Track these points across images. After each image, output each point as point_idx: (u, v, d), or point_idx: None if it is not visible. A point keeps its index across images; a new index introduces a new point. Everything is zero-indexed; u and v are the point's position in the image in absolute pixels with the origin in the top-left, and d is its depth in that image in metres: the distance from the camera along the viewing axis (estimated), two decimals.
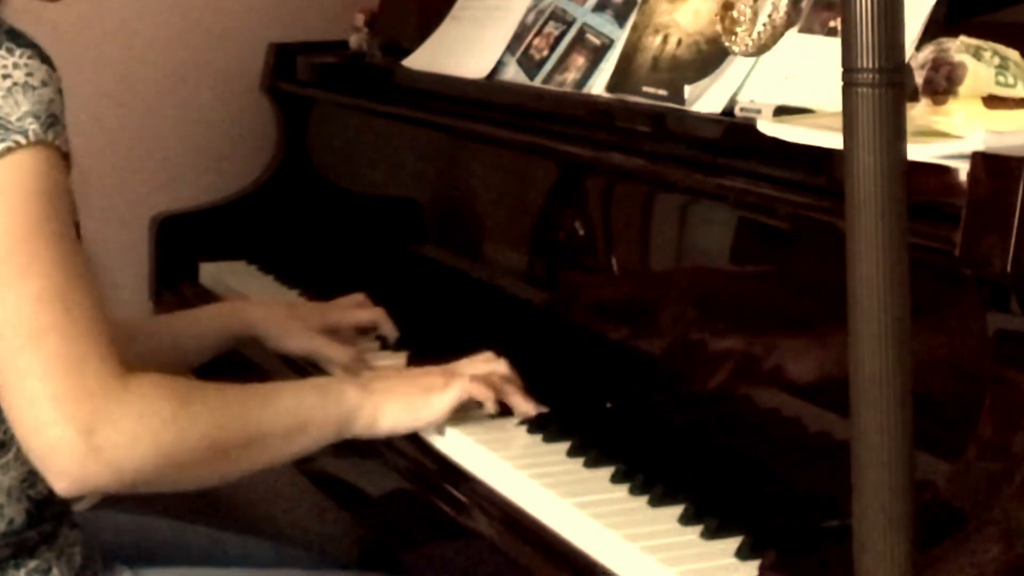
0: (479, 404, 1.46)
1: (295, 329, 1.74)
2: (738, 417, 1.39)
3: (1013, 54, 1.16)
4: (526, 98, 1.78)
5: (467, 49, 1.95)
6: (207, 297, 2.15)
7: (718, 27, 1.25)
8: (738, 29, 1.21)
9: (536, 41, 1.83)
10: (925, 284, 1.00)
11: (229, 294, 2.11)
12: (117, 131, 2.43)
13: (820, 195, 1.24)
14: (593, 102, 1.66)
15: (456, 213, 2.02)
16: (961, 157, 1.08)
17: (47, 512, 1.37)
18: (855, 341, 0.82)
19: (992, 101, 1.14)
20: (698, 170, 1.43)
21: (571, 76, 1.73)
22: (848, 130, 0.81)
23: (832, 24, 1.39)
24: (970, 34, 1.17)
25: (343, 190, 2.29)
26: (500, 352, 1.52)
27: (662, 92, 1.54)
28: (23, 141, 1.25)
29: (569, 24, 1.79)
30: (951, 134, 1.12)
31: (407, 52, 2.09)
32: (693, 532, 1.19)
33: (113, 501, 1.55)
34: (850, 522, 0.84)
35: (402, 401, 1.44)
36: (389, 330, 1.76)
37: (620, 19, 1.70)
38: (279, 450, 1.39)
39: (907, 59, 1.06)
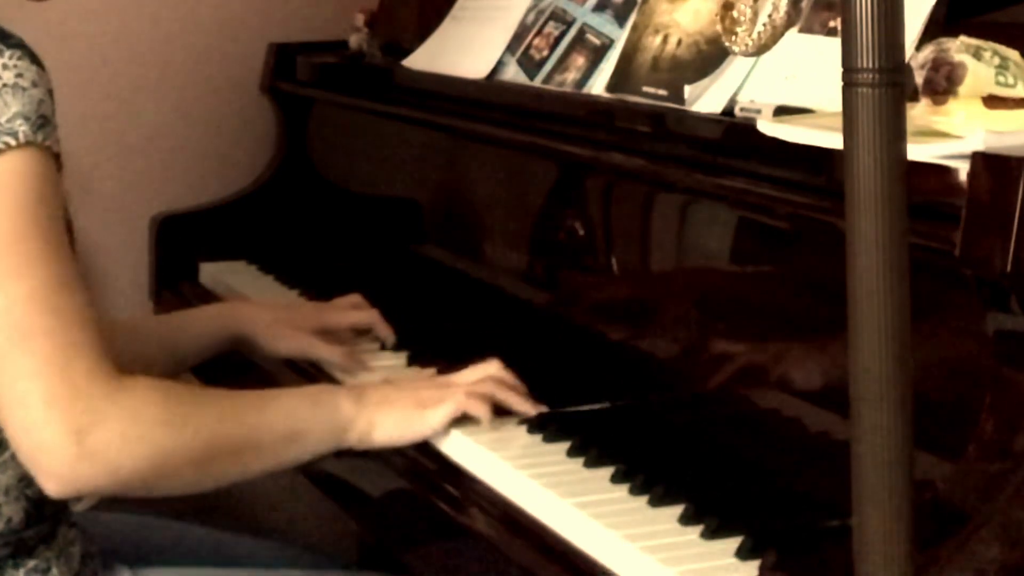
0: None
1: (287, 331, 1.74)
2: (738, 417, 1.39)
3: (1013, 54, 1.16)
4: (526, 98, 1.78)
5: (467, 49, 1.95)
6: (207, 297, 2.15)
7: (718, 27, 1.25)
8: (738, 29, 1.21)
9: (536, 41, 1.83)
10: (925, 284, 1.00)
11: (229, 294, 2.11)
12: (117, 131, 2.43)
13: (820, 195, 1.24)
14: (593, 102, 1.66)
15: (456, 213, 2.02)
16: (961, 157, 1.08)
17: (45, 511, 1.37)
18: (855, 341, 0.82)
19: (992, 101, 1.14)
20: (698, 170, 1.43)
21: (571, 76, 1.73)
22: (848, 130, 0.81)
23: (832, 24, 1.39)
24: (970, 34, 1.17)
25: (343, 190, 2.29)
26: (500, 352, 1.52)
27: (662, 92, 1.54)
28: (13, 142, 1.25)
29: (569, 24, 1.79)
30: (951, 134, 1.12)
31: (407, 52, 2.09)
32: (693, 532, 1.19)
33: (113, 501, 1.55)
34: (850, 522, 0.84)
35: (396, 415, 1.44)
36: (384, 332, 1.76)
37: (620, 19, 1.70)
38: (272, 458, 1.39)
39: (907, 59, 1.06)
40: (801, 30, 1.39)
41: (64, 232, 1.30)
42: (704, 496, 1.24)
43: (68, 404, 1.23)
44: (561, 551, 1.24)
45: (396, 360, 1.71)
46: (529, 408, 1.47)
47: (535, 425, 1.44)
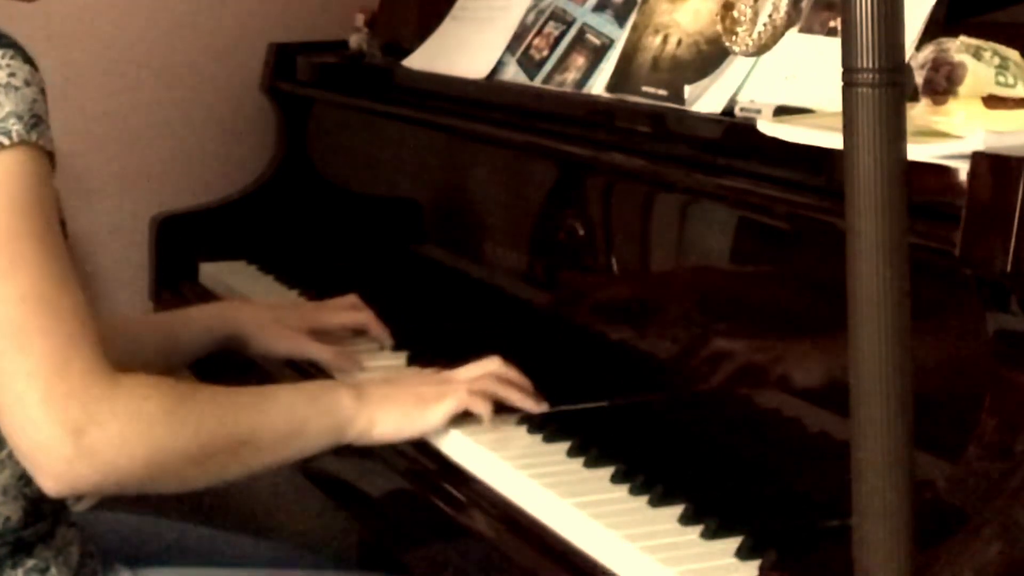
0: None
1: (280, 330, 1.74)
2: (738, 417, 1.39)
3: (1013, 54, 1.16)
4: (526, 98, 1.78)
5: (467, 49, 1.95)
6: (207, 297, 2.15)
7: (718, 27, 1.25)
8: (739, 29, 1.21)
9: (536, 41, 1.83)
10: (925, 284, 0.99)
11: (229, 294, 2.11)
12: (117, 131, 2.44)
13: (820, 195, 1.24)
14: (593, 102, 1.66)
15: (456, 213, 2.02)
16: (961, 157, 1.08)
17: (43, 510, 1.37)
18: (855, 341, 0.82)
19: (992, 101, 1.14)
20: (698, 170, 1.43)
21: (571, 76, 1.73)
22: (848, 130, 0.81)
23: (832, 24, 1.39)
24: (970, 34, 1.16)
25: (343, 190, 2.29)
26: (500, 352, 1.51)
27: (662, 92, 1.54)
28: (6, 142, 1.25)
29: (569, 24, 1.79)
30: (951, 134, 1.12)
31: (407, 52, 2.09)
32: (693, 532, 1.19)
33: (113, 501, 1.55)
34: (850, 522, 0.84)
35: (397, 411, 1.44)
36: (379, 333, 1.75)
37: (620, 19, 1.70)
38: (272, 455, 1.39)
39: (907, 59, 1.06)
40: (801, 30, 1.39)
41: (59, 231, 1.30)
42: (704, 496, 1.24)
43: (65, 403, 1.23)
44: (561, 551, 1.24)
45: (396, 360, 1.71)
46: (531, 404, 1.47)
47: (535, 425, 1.44)
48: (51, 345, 1.23)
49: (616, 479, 1.30)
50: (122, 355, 1.37)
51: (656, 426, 1.44)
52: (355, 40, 2.27)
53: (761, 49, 1.19)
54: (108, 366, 1.27)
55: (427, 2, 2.17)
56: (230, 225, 2.32)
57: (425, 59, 2.04)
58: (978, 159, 1.05)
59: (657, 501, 1.25)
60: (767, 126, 1.27)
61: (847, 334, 0.82)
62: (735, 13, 1.19)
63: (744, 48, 1.20)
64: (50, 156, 1.30)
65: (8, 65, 1.28)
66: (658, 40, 1.59)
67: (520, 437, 1.43)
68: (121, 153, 2.44)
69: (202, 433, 1.32)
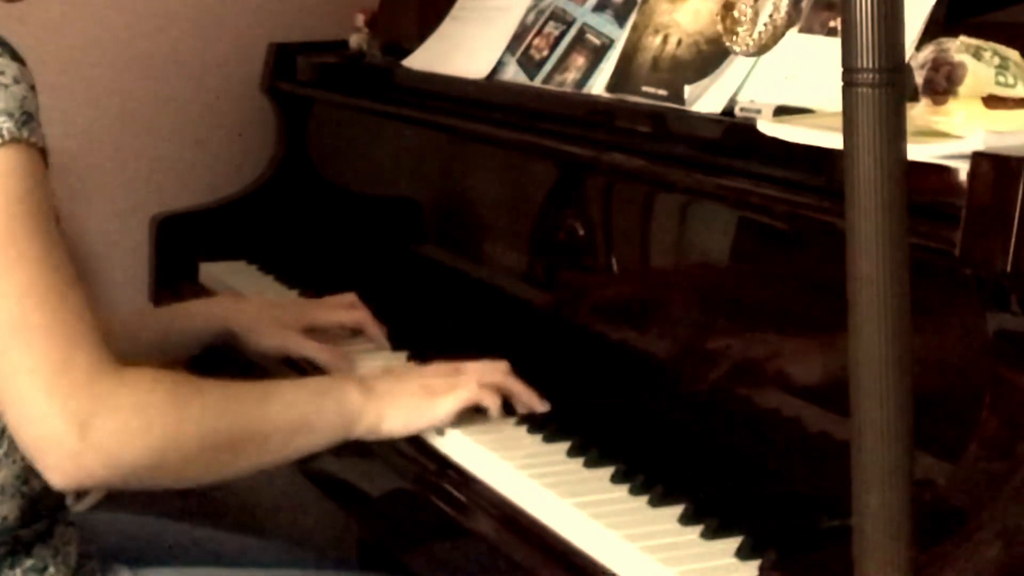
0: (477, 409, 1.46)
1: (272, 327, 1.73)
2: (738, 417, 1.39)
3: (1013, 54, 1.16)
4: (526, 98, 1.78)
5: (467, 49, 1.95)
6: (207, 297, 2.15)
7: (719, 27, 1.25)
8: (739, 29, 1.21)
9: (536, 41, 1.83)
10: (925, 284, 0.99)
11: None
12: (117, 131, 2.44)
13: (820, 195, 1.24)
14: (593, 102, 1.66)
15: (456, 213, 2.02)
16: (961, 157, 1.08)
17: (41, 509, 1.37)
18: (855, 341, 0.82)
19: (992, 101, 1.14)
20: (698, 170, 1.43)
21: (571, 76, 1.73)
22: (848, 130, 0.81)
23: (832, 24, 1.39)
24: (970, 34, 1.16)
25: (343, 190, 2.29)
26: (500, 352, 1.51)
27: (662, 92, 1.54)
28: None
29: (569, 24, 1.79)
30: (951, 134, 1.12)
31: (407, 52, 2.09)
32: (693, 532, 1.19)
33: (113, 501, 1.55)
34: (850, 522, 0.84)
35: (406, 404, 1.44)
36: (375, 333, 1.75)
37: (620, 19, 1.70)
38: (278, 449, 1.39)
39: (907, 59, 1.06)
40: (801, 30, 1.39)
41: (55, 226, 1.30)
42: (704, 496, 1.24)
43: (69, 395, 1.23)
44: (561, 551, 1.24)
45: (395, 360, 1.70)
46: (537, 403, 1.46)
47: (535, 425, 1.44)
48: (54, 340, 1.23)
49: (616, 479, 1.30)
50: (119, 349, 1.37)
51: (656, 426, 1.44)
52: (355, 40, 2.27)
53: (761, 49, 1.19)
54: (112, 359, 1.27)
55: (427, 2, 2.17)
56: (230, 225, 2.32)
57: (425, 59, 2.04)
58: (978, 159, 1.05)
59: (657, 501, 1.25)
60: (767, 126, 1.27)
61: (847, 334, 0.82)
62: (735, 13, 1.19)
63: (744, 48, 1.20)
64: (43, 153, 1.30)
65: None
66: (658, 40, 1.59)
67: (520, 437, 1.43)
68: (121, 153, 2.44)
69: (209, 426, 1.31)
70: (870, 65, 0.80)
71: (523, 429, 1.45)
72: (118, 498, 1.51)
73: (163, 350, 1.73)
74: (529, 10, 1.88)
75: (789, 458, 1.32)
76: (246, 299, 1.89)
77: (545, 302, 1.75)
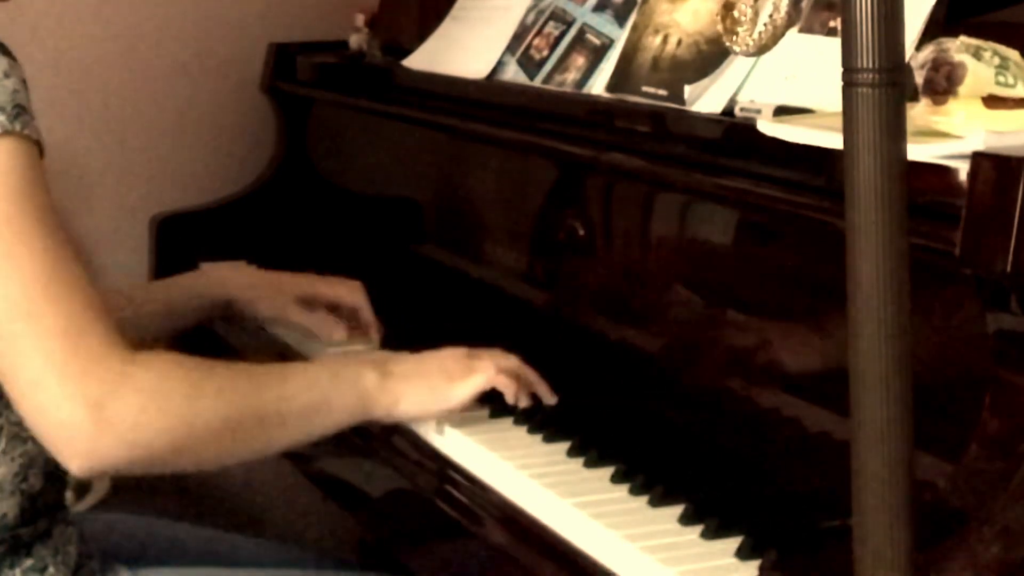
0: (479, 402, 1.46)
1: (267, 295, 1.75)
2: (738, 417, 1.39)
3: (1013, 54, 1.16)
4: (526, 98, 1.78)
5: (467, 49, 1.95)
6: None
7: (719, 27, 1.25)
8: (739, 29, 1.21)
9: (536, 41, 1.83)
10: (925, 284, 1.00)
11: None
12: (117, 131, 2.44)
13: (820, 195, 1.24)
14: (593, 102, 1.66)
15: (456, 213, 2.02)
16: (961, 157, 1.08)
17: (40, 508, 1.37)
18: (855, 341, 0.82)
19: (992, 101, 1.14)
20: (698, 170, 1.43)
21: (571, 76, 1.73)
22: (848, 130, 0.81)
23: (832, 24, 1.39)
24: (970, 34, 1.16)
25: (343, 190, 2.29)
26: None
27: (662, 92, 1.54)
28: None
29: (569, 24, 1.79)
30: (951, 134, 1.12)
31: (407, 52, 2.09)
32: (693, 532, 1.19)
33: (113, 501, 1.55)
34: (850, 522, 0.84)
35: (422, 387, 1.43)
36: (369, 319, 1.76)
37: (620, 19, 1.70)
38: (295, 430, 1.38)
39: (907, 59, 1.06)
40: (801, 30, 1.39)
41: (55, 215, 1.30)
42: (704, 496, 1.24)
43: (83, 378, 1.22)
44: (561, 551, 1.24)
45: None
46: (546, 393, 1.47)
47: (535, 425, 1.44)
48: (63, 324, 1.23)
49: (616, 479, 1.30)
50: (123, 322, 1.37)
51: (656, 426, 1.44)
52: (355, 40, 2.27)
53: (761, 49, 1.19)
54: (122, 342, 1.26)
55: (427, 2, 2.17)
56: (230, 225, 2.32)
57: (425, 59, 2.04)
58: (978, 159, 1.05)
59: (657, 501, 1.25)
60: (767, 126, 1.27)
61: (847, 334, 0.82)
62: (735, 13, 1.19)
63: (744, 48, 1.20)
64: (37, 144, 1.29)
65: None
66: (658, 40, 1.59)
67: (520, 437, 1.43)
68: (121, 153, 2.44)
69: (225, 406, 1.31)
70: (870, 65, 0.80)
71: (523, 429, 1.45)
72: (118, 498, 1.51)
73: (165, 321, 1.74)
74: (529, 10, 1.88)
75: (789, 458, 1.32)
76: (245, 268, 1.90)
77: (545, 302, 1.75)
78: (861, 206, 0.80)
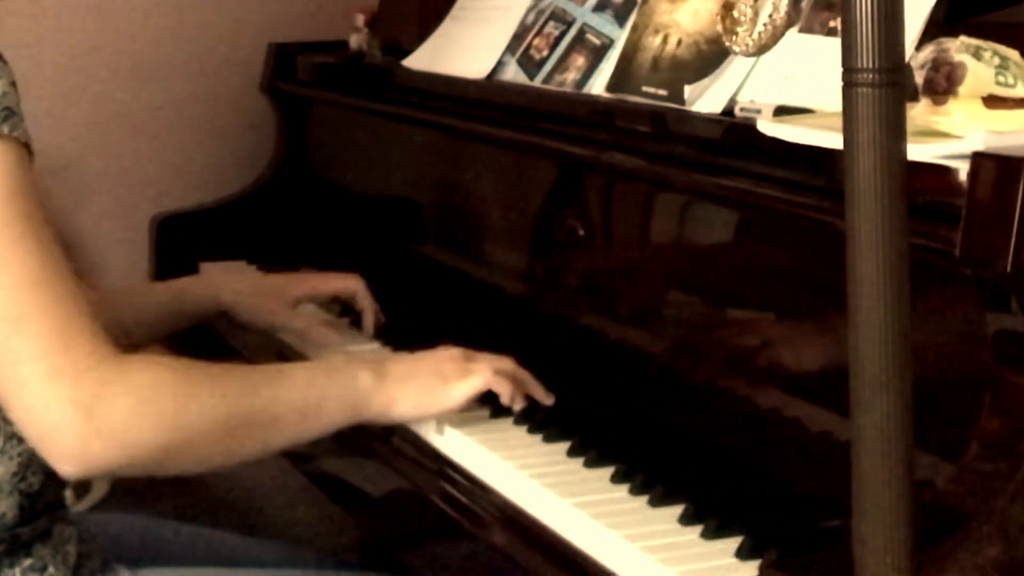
0: (479, 402, 1.46)
1: (261, 302, 1.75)
2: (738, 417, 1.39)
3: (1013, 54, 1.16)
4: (526, 98, 1.78)
5: (467, 49, 1.95)
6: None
7: (719, 27, 1.25)
8: (739, 29, 1.21)
9: (536, 41, 1.83)
10: (925, 284, 1.00)
11: None
12: (117, 131, 2.44)
13: (820, 195, 1.24)
14: (593, 102, 1.66)
15: (456, 213, 2.01)
16: (961, 157, 1.08)
17: (39, 507, 1.37)
18: (855, 341, 0.82)
19: (992, 101, 1.14)
20: (698, 170, 1.43)
21: (571, 76, 1.73)
22: (848, 130, 0.81)
23: (832, 24, 1.39)
24: (970, 34, 1.16)
25: (343, 190, 2.29)
26: (501, 352, 1.51)
27: (662, 92, 1.54)
28: None
29: (569, 24, 1.79)
30: (951, 134, 1.12)
31: (407, 52, 2.09)
32: (693, 532, 1.19)
33: (113, 501, 1.55)
34: (850, 522, 0.84)
35: (418, 388, 1.43)
36: (367, 305, 1.76)
37: (620, 19, 1.70)
38: (288, 432, 1.38)
39: (907, 59, 1.06)
40: (801, 30, 1.39)
41: (44, 217, 1.29)
42: (704, 496, 1.24)
43: (73, 381, 1.22)
44: (561, 551, 1.24)
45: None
46: (542, 394, 1.46)
47: (535, 425, 1.44)
48: (52, 327, 1.23)
49: (616, 479, 1.30)
50: (115, 323, 1.37)
51: (656, 426, 1.44)
52: (355, 40, 2.27)
53: (761, 49, 1.19)
54: (113, 345, 1.26)
55: (427, 2, 2.17)
56: (230, 225, 2.32)
57: (425, 59, 2.04)
58: (978, 159, 1.05)
59: (657, 501, 1.25)
60: (767, 126, 1.27)
61: (847, 334, 0.82)
62: (735, 13, 1.19)
63: (744, 48, 1.20)
64: (27, 147, 1.29)
65: None
66: (658, 40, 1.59)
67: (520, 437, 1.43)
68: (121, 153, 2.45)
69: (217, 409, 1.31)
70: (870, 65, 0.80)
71: (523, 429, 1.45)
72: (118, 498, 1.51)
73: (160, 324, 1.74)
74: (529, 10, 1.88)
75: (789, 458, 1.32)
76: (239, 274, 1.89)
77: (545, 302, 1.75)
78: (861, 206, 0.80)
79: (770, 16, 1.18)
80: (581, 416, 1.45)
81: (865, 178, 0.80)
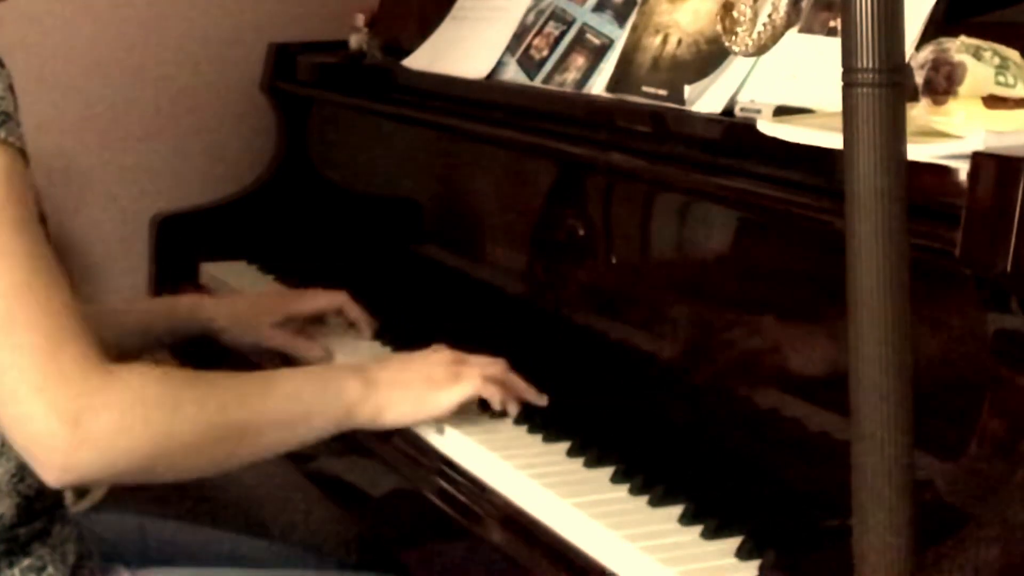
0: (478, 403, 1.46)
1: (248, 325, 1.74)
2: (738, 417, 1.39)
3: (1013, 54, 1.16)
4: (526, 98, 1.78)
5: (467, 49, 1.95)
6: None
7: (718, 27, 1.25)
8: (738, 29, 1.21)
9: (536, 41, 1.83)
10: (925, 284, 1.00)
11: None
12: (117, 131, 2.44)
13: (820, 195, 1.24)
14: (593, 102, 1.66)
15: (456, 213, 2.02)
16: (961, 157, 1.08)
17: (38, 508, 1.37)
18: (855, 341, 0.82)
19: (992, 101, 1.14)
20: (698, 170, 1.43)
21: (571, 76, 1.73)
22: (848, 130, 0.81)
23: (832, 24, 1.39)
24: (970, 34, 1.16)
25: (343, 190, 2.29)
26: (500, 352, 1.51)
27: (662, 92, 1.54)
28: None
29: (569, 24, 1.79)
30: (951, 134, 1.12)
31: (407, 52, 2.09)
32: (693, 532, 1.19)
33: (113, 501, 1.55)
34: (850, 522, 0.84)
35: (408, 395, 1.43)
36: (357, 315, 1.76)
37: (620, 19, 1.70)
38: (276, 441, 1.38)
39: (907, 59, 1.06)
40: (801, 30, 1.39)
41: (38, 225, 1.29)
42: (704, 496, 1.24)
43: (60, 391, 1.22)
44: (561, 551, 1.24)
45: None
46: (534, 397, 1.46)
47: (535, 425, 1.44)
48: (41, 336, 1.23)
49: (616, 479, 1.30)
50: (104, 340, 1.36)
51: (656, 426, 1.44)
52: (355, 40, 2.27)
53: (761, 49, 1.19)
54: (101, 354, 1.26)
55: (427, 2, 2.17)
56: (230, 225, 2.32)
57: (425, 59, 2.04)
58: (978, 159, 1.05)
59: (657, 501, 1.25)
60: (767, 126, 1.27)
61: (847, 334, 0.82)
62: (735, 13, 1.19)
63: (744, 48, 1.20)
64: (22, 152, 1.28)
65: None
66: (658, 40, 1.59)
67: (520, 437, 1.43)
68: (121, 153, 2.44)
69: (203, 420, 1.31)
70: (870, 65, 0.80)
71: (523, 429, 1.45)
72: (118, 498, 1.50)
73: (144, 342, 1.73)
74: (529, 10, 1.88)
75: (789, 458, 1.32)
76: (229, 298, 1.89)
77: (545, 302, 1.75)
78: (861, 206, 0.80)
79: (770, 16, 1.18)
80: (581, 416, 1.45)
81: (865, 178, 0.80)
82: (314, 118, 2.35)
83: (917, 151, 1.03)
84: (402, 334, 1.76)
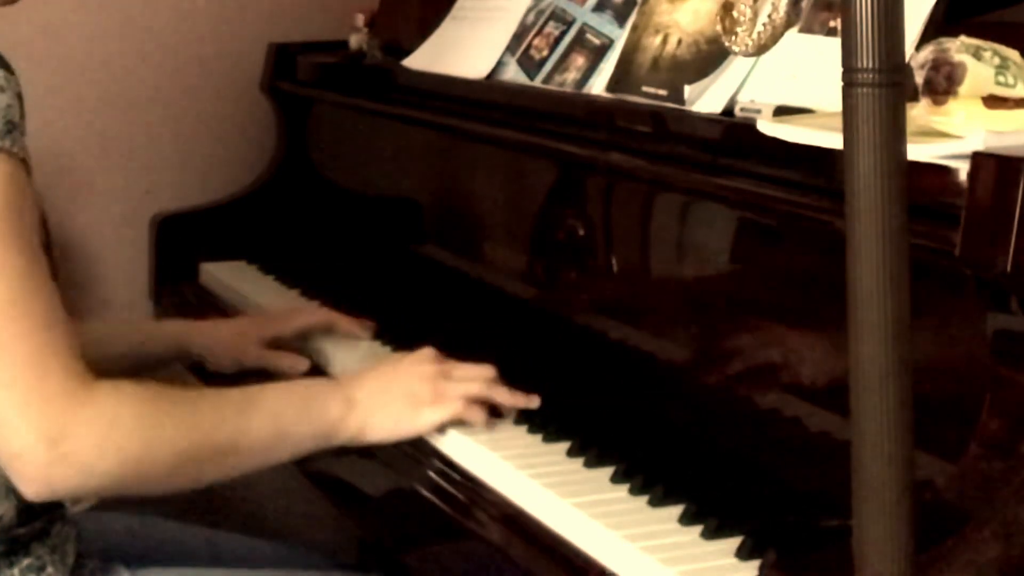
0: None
1: (230, 348, 1.75)
2: (738, 417, 1.39)
3: (1013, 54, 1.16)
4: (526, 98, 1.78)
5: (467, 49, 1.95)
6: (207, 297, 2.15)
7: (718, 27, 1.25)
8: (738, 29, 1.21)
9: (536, 41, 1.83)
10: (925, 284, 0.99)
11: (229, 294, 2.11)
12: (117, 131, 2.44)
13: (820, 195, 1.24)
14: (593, 102, 1.66)
15: (456, 213, 2.02)
16: (961, 157, 1.08)
17: (37, 509, 1.37)
18: (855, 341, 0.82)
19: (992, 101, 1.14)
20: (698, 170, 1.43)
21: (571, 76, 1.73)
22: (848, 130, 0.81)
23: (832, 24, 1.39)
24: (970, 34, 1.16)
25: (343, 190, 2.29)
26: (499, 352, 1.52)
27: (662, 92, 1.54)
28: None
29: (569, 24, 1.79)
30: (951, 134, 1.12)
31: (407, 52, 2.09)
32: (693, 532, 1.19)
33: (112, 501, 1.55)
34: (850, 522, 0.84)
35: (388, 413, 1.44)
36: (347, 328, 1.76)
37: (620, 19, 1.70)
38: (253, 461, 1.39)
39: (907, 59, 1.06)
40: (801, 30, 1.39)
41: (35, 237, 1.28)
42: (704, 496, 1.24)
43: (41, 410, 1.23)
44: (561, 551, 1.24)
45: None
46: (523, 402, 1.46)
47: (535, 425, 1.44)
48: (28, 352, 1.23)
49: (616, 479, 1.30)
50: (89, 361, 1.37)
51: (656, 426, 1.44)
52: (355, 40, 2.27)
53: (761, 49, 1.19)
54: (86, 372, 1.27)
55: (427, 2, 2.17)
56: (230, 225, 2.32)
57: (425, 59, 2.04)
58: (978, 159, 1.05)
59: (657, 501, 1.25)
60: (767, 126, 1.27)
61: (847, 334, 0.82)
62: (735, 13, 1.19)
63: (744, 48, 1.20)
64: (24, 163, 1.28)
65: None
66: (658, 40, 1.59)
67: (520, 437, 1.43)
68: (121, 153, 2.44)
69: (183, 439, 1.31)
70: (870, 65, 0.79)
71: (523, 429, 1.45)
72: (117, 498, 1.50)
73: (128, 366, 1.73)
74: (529, 10, 1.88)
75: (789, 458, 1.32)
76: (212, 324, 1.89)
77: (545, 302, 1.75)
78: (861, 206, 0.80)
79: (769, 16, 1.18)
80: (581, 416, 1.45)
81: (865, 178, 0.80)
82: (314, 118, 2.35)
83: (917, 151, 1.03)
84: (402, 334, 1.76)
